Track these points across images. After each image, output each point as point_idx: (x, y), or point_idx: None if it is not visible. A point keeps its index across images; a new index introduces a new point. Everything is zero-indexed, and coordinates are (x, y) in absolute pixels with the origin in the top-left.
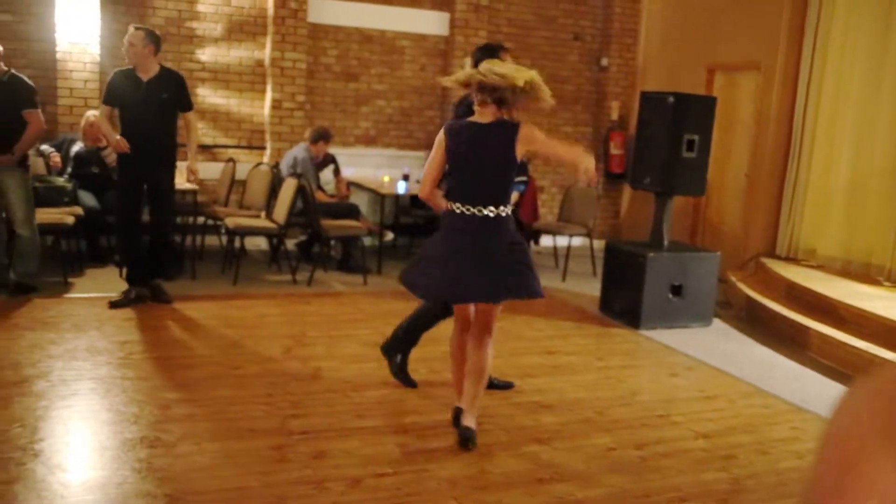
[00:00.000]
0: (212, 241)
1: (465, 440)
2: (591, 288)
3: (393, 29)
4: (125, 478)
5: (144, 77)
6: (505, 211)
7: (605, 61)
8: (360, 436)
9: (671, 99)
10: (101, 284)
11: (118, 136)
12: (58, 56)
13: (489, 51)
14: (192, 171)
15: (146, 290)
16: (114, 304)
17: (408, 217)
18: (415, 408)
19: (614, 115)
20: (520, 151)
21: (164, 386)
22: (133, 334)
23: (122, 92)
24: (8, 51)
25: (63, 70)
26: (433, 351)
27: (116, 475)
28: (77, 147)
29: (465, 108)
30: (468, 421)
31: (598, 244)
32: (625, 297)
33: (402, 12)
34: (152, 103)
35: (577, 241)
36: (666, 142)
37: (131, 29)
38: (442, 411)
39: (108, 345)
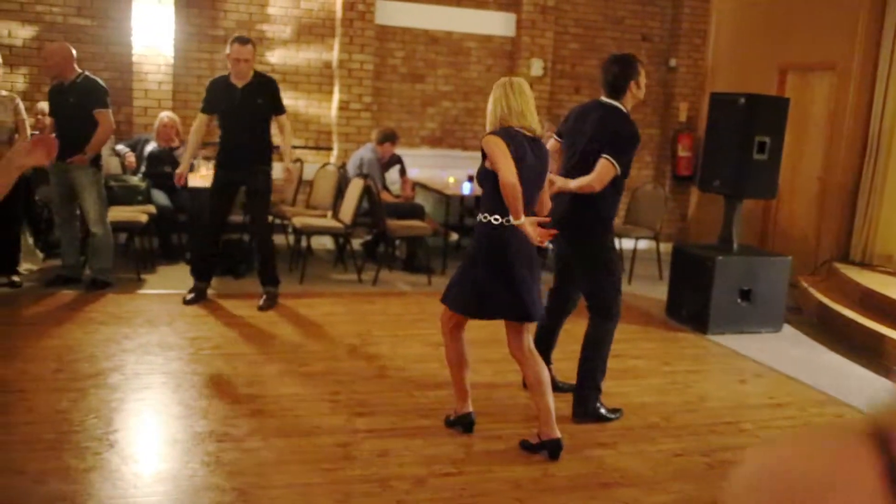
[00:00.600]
0: (279, 240)
1: (558, 450)
2: (658, 292)
3: (459, 30)
4: (195, 470)
5: (240, 84)
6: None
7: (673, 62)
8: (424, 435)
9: (742, 100)
10: (173, 281)
11: (183, 170)
12: (133, 59)
13: (630, 64)
14: (289, 171)
15: (205, 285)
16: (188, 301)
17: (473, 218)
18: (479, 409)
19: (682, 117)
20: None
21: (232, 381)
22: (203, 331)
23: (219, 100)
24: (87, 54)
25: (138, 72)
26: (497, 352)
27: (187, 468)
28: (151, 147)
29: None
30: (557, 433)
31: (665, 247)
32: (692, 301)
33: (468, 14)
34: (248, 109)
35: (644, 244)
36: (736, 144)
37: (236, 43)
38: (506, 413)
39: (180, 340)
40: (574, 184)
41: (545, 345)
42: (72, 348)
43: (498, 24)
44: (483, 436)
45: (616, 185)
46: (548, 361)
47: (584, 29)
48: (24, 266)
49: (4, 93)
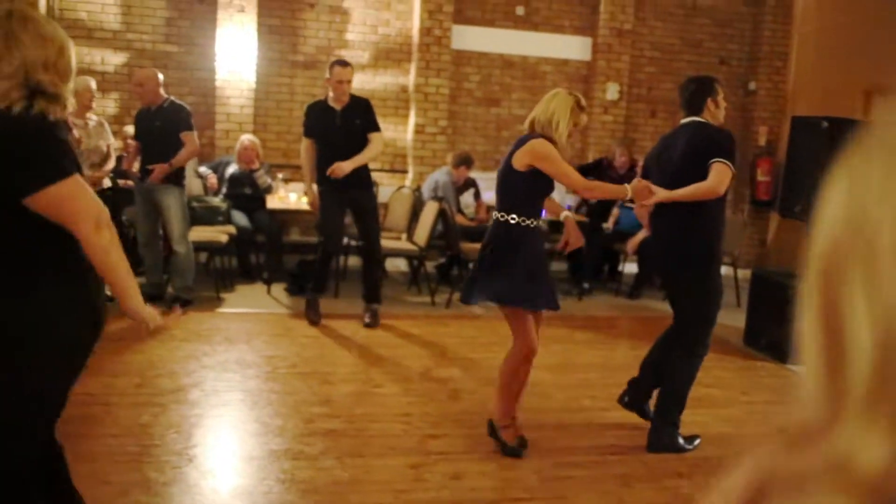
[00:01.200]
0: (354, 261)
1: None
2: (735, 319)
3: (535, 54)
4: (270, 487)
5: (338, 107)
6: (513, 219)
7: (752, 85)
8: (497, 459)
9: (825, 124)
10: (251, 300)
11: (313, 198)
12: (217, 84)
13: (706, 82)
14: (338, 167)
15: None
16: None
17: (547, 241)
18: (553, 435)
19: (762, 141)
20: (518, 163)
21: (307, 400)
22: (279, 349)
23: (319, 123)
24: (172, 79)
25: (221, 97)
26: (571, 377)
27: (262, 484)
28: (231, 169)
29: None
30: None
31: (743, 273)
32: (772, 329)
33: (544, 38)
34: (347, 131)
35: (721, 270)
36: (818, 168)
37: (337, 66)
38: (582, 438)
39: (257, 358)
40: (686, 190)
41: (651, 371)
42: (154, 364)
43: (574, 48)
44: (556, 462)
45: (722, 205)
46: (650, 387)
47: (661, 52)
48: None
49: (95, 118)
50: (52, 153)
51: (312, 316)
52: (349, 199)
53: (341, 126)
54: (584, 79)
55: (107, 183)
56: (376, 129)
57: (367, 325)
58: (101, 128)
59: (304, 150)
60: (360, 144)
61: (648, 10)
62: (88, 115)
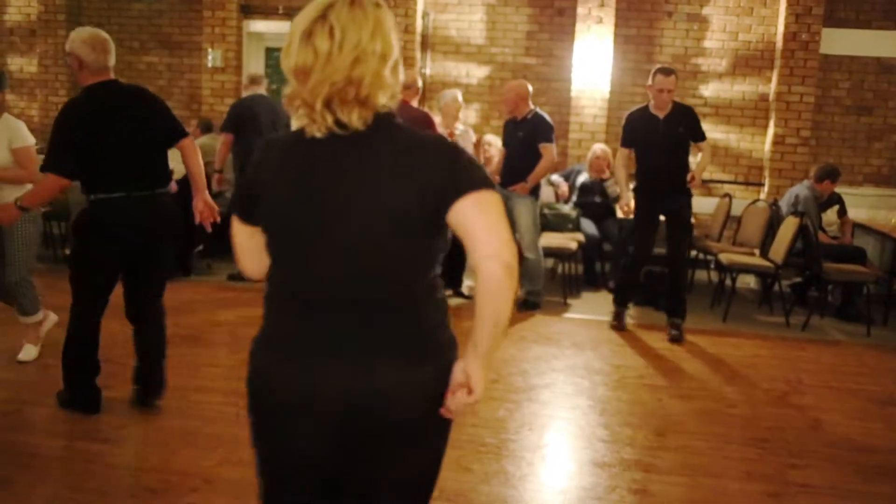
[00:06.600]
0: (701, 275)
1: None
2: None
3: None
4: (622, 497)
5: (661, 115)
6: None
7: None
8: (867, 501)
9: None
10: (595, 308)
11: (629, 203)
12: (572, 94)
13: None
14: (693, 176)
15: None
16: (614, 327)
17: None
18: None
19: None
20: None
21: (656, 413)
22: (626, 359)
23: (639, 132)
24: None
25: (576, 106)
26: None
27: (614, 492)
28: (582, 178)
29: None
30: None
31: None
32: None
33: None
34: (669, 139)
35: None
36: None
37: (660, 74)
38: None
39: (604, 366)
40: None
41: None
42: (507, 362)
43: None
44: None
45: None
46: None
47: None
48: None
49: (462, 126)
50: None
51: (617, 325)
52: (665, 206)
53: (664, 134)
54: None
55: None
56: (703, 137)
57: (672, 340)
58: (466, 135)
59: (622, 159)
60: (683, 153)
61: None
62: (456, 124)
